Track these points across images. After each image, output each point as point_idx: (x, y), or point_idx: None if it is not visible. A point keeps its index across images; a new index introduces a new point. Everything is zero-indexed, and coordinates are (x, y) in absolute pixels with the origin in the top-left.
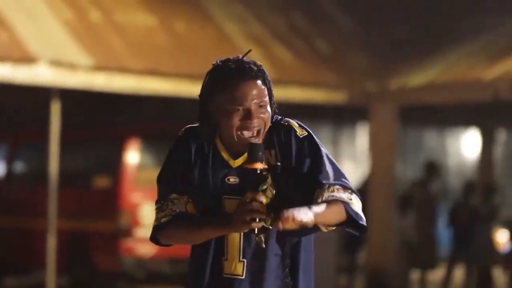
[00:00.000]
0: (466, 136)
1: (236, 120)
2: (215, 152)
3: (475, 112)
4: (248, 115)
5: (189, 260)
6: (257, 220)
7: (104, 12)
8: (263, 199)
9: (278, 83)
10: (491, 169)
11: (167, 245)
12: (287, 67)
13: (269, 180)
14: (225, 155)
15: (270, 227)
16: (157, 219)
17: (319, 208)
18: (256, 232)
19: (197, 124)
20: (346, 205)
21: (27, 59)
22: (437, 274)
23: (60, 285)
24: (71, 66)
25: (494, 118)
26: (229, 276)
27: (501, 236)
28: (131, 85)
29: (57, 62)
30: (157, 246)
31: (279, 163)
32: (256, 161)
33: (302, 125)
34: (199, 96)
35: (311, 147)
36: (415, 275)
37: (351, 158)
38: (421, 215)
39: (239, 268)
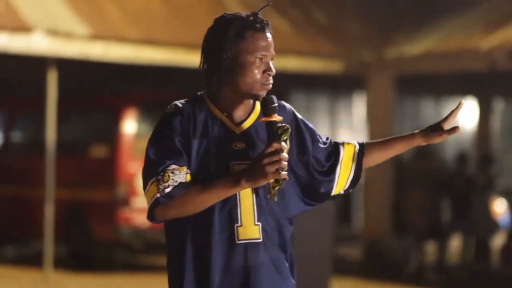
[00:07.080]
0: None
1: (256, 72)
2: (214, 120)
3: (472, 81)
4: (268, 68)
5: (188, 235)
6: (283, 170)
7: None
8: (286, 150)
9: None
10: (489, 139)
11: (162, 222)
12: (284, 37)
13: (289, 130)
14: (226, 121)
15: (287, 178)
16: (159, 190)
17: None
18: (279, 182)
19: (185, 100)
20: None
21: (23, 28)
22: (433, 244)
23: (58, 255)
24: (68, 35)
25: (491, 88)
26: (245, 241)
27: (499, 206)
28: (127, 55)
29: (53, 31)
30: None
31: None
32: (273, 113)
33: None
34: (208, 47)
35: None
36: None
37: (348, 127)
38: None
39: (256, 232)
